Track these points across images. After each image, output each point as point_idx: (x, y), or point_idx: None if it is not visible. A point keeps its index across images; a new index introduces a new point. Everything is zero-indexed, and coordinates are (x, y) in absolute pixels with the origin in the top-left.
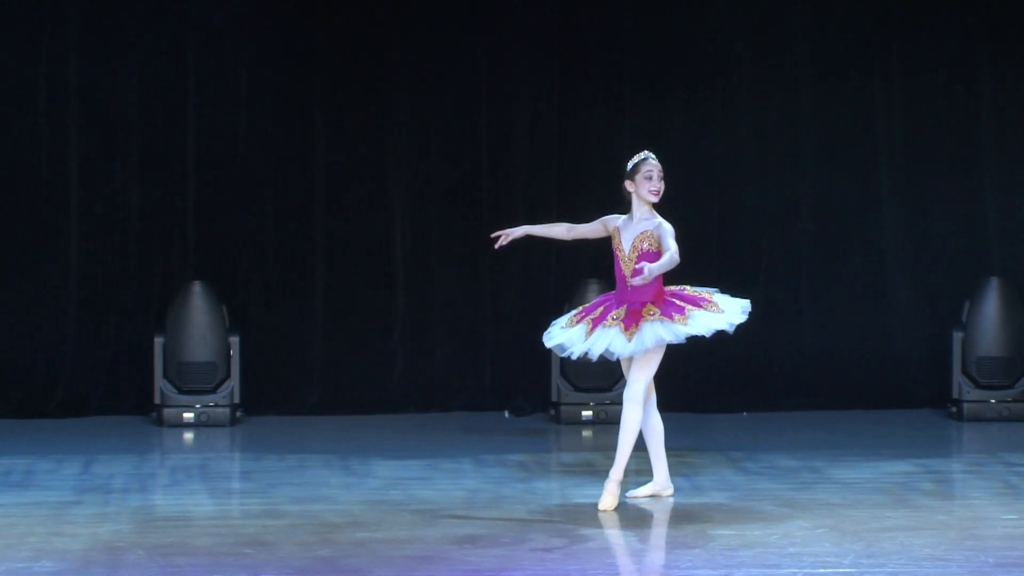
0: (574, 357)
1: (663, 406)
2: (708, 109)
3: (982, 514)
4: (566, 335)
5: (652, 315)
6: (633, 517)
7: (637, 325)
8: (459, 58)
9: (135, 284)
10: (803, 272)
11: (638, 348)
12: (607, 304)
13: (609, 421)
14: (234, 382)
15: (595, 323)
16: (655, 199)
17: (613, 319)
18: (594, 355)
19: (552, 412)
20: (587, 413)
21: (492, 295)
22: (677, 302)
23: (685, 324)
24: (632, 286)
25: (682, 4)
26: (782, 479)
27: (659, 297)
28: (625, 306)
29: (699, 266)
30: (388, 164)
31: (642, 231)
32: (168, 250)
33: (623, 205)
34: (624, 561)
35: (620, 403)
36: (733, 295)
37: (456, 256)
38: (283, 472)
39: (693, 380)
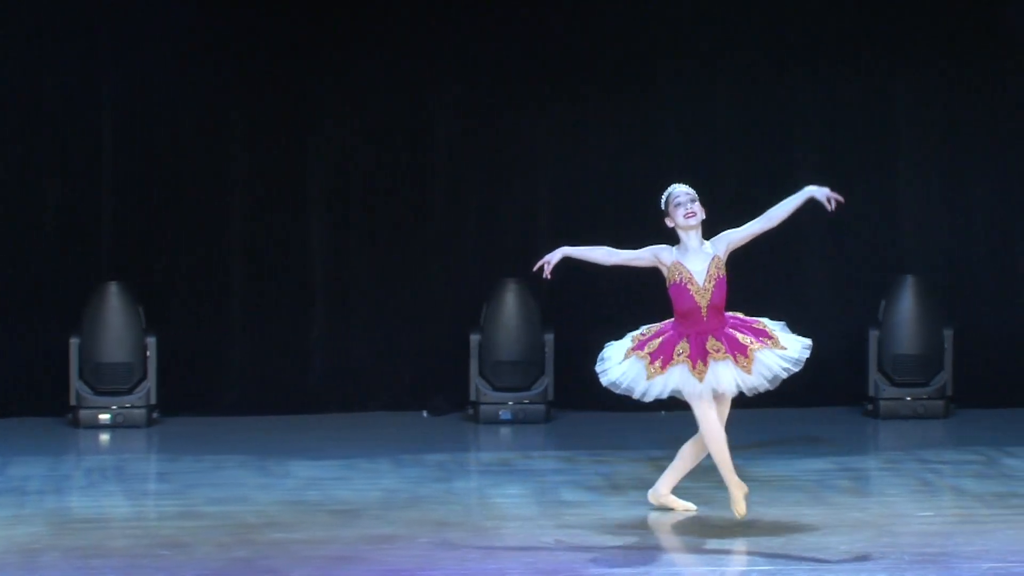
0: (635, 396)
1: (581, 406)
2: (629, 109)
3: (898, 511)
4: (624, 372)
5: (718, 352)
6: (551, 516)
7: (705, 364)
8: (380, 60)
9: (51, 285)
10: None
11: (707, 393)
12: (667, 337)
13: (527, 420)
14: (150, 383)
15: (655, 357)
16: (693, 221)
17: (678, 355)
18: (655, 395)
19: (471, 411)
20: (505, 413)
21: (411, 295)
22: (740, 338)
23: (749, 373)
24: (707, 316)
25: (601, 8)
26: (700, 478)
27: (725, 325)
28: (687, 340)
29: (617, 272)
30: (307, 165)
31: (712, 257)
32: (84, 250)
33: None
34: (542, 560)
35: (538, 402)
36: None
37: (374, 256)
38: (200, 473)
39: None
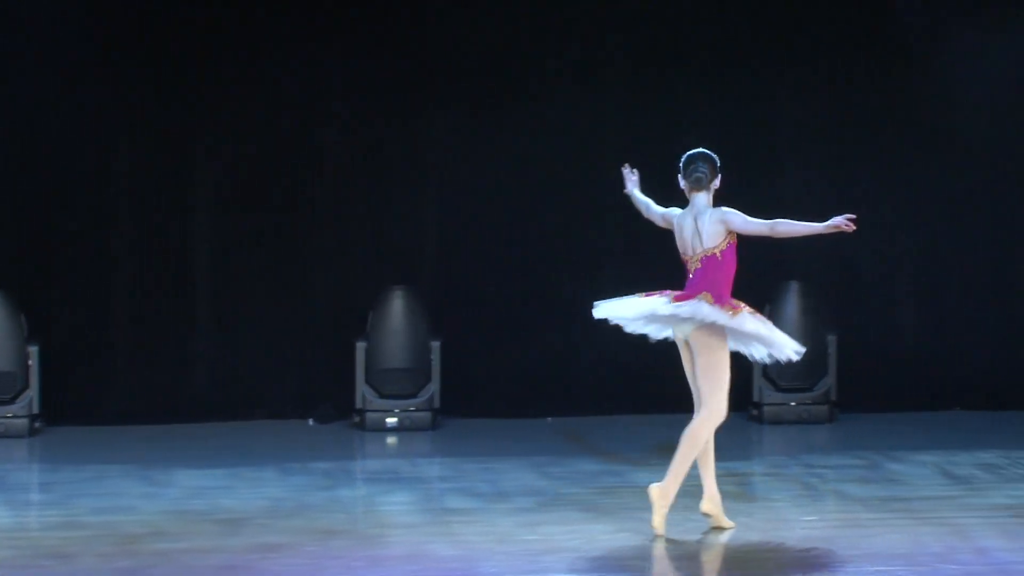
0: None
1: (468, 413)
2: (515, 116)
3: (782, 516)
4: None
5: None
6: (437, 524)
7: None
8: (266, 63)
9: None
10: (609, 276)
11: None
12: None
13: (414, 428)
14: (33, 392)
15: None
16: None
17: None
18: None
19: (357, 419)
20: (392, 420)
21: (297, 302)
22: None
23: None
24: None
25: (495, 10)
26: (585, 483)
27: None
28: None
29: (511, 268)
30: (192, 172)
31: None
32: None
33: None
34: (429, 568)
35: (425, 409)
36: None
37: (260, 264)
38: (83, 483)
39: (498, 386)
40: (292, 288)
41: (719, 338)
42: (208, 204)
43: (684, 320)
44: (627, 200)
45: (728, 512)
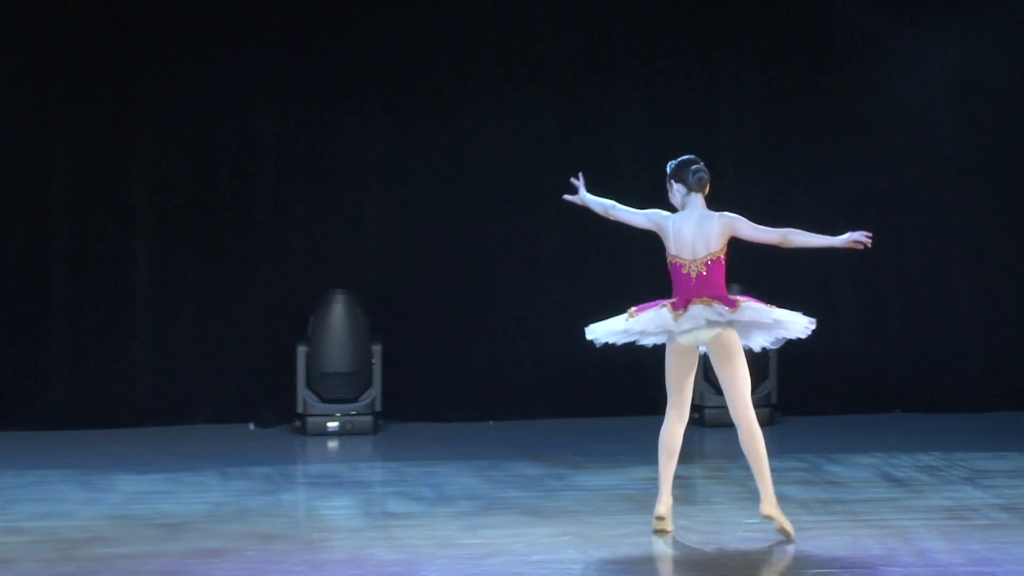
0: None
1: (409, 417)
2: (452, 119)
3: (723, 519)
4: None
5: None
6: (379, 528)
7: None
8: (204, 69)
9: None
10: (547, 280)
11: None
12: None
13: (355, 432)
14: None
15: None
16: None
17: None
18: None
19: (298, 423)
20: (333, 424)
21: (237, 307)
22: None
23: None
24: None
25: (428, 16)
26: (527, 487)
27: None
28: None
29: (451, 271)
30: (130, 177)
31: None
32: None
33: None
34: (371, 572)
35: (366, 413)
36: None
37: (200, 268)
38: (22, 488)
39: (440, 390)
40: (232, 293)
41: (737, 343)
42: (146, 209)
43: (718, 326)
44: (567, 204)
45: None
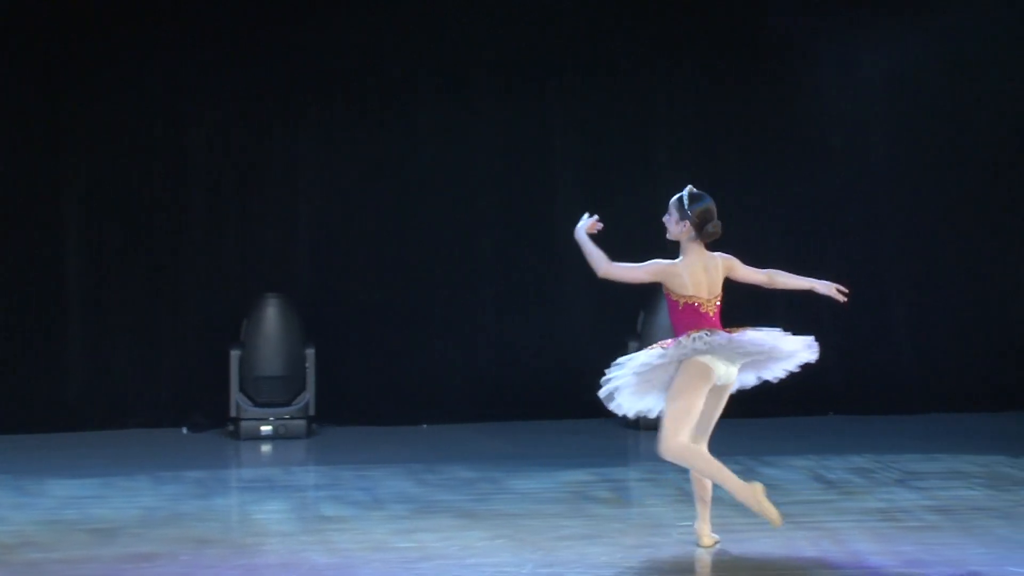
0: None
1: (343, 421)
2: (389, 123)
3: (658, 521)
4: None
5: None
6: (313, 532)
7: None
8: (135, 76)
9: None
10: (483, 283)
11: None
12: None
13: (289, 436)
14: None
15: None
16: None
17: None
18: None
19: (231, 428)
20: (266, 428)
21: (169, 311)
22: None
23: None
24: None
25: (360, 19)
26: (461, 490)
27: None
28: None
29: (384, 275)
30: (62, 182)
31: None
32: None
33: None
34: (305, 575)
35: (300, 417)
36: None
37: (131, 272)
38: None
39: (373, 393)
40: (164, 296)
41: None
42: (78, 215)
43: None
44: (500, 209)
45: (604, 518)
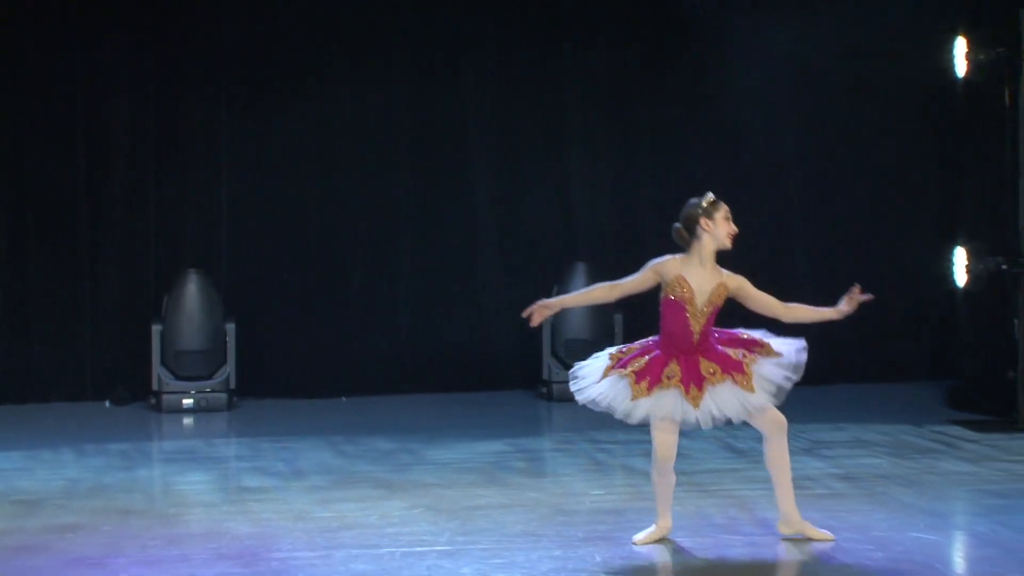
0: (616, 416)
1: (263, 394)
2: (308, 104)
3: (571, 490)
4: (603, 391)
5: (713, 375)
6: (234, 502)
7: (700, 389)
8: (55, 55)
9: None
10: (401, 261)
11: (707, 422)
12: (653, 357)
13: (210, 409)
14: None
15: (641, 377)
16: (728, 245)
17: (668, 379)
18: (639, 418)
19: (153, 401)
20: (188, 401)
21: (92, 287)
22: (732, 354)
23: (752, 391)
24: (698, 341)
25: (282, 5)
26: (380, 461)
27: (715, 345)
28: (676, 362)
29: (304, 251)
30: None
31: (719, 283)
32: None
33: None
34: (226, 545)
35: (221, 390)
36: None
37: (55, 251)
38: None
39: (293, 366)
40: (87, 272)
41: None
42: (0, 192)
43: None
44: (417, 187)
45: (519, 488)
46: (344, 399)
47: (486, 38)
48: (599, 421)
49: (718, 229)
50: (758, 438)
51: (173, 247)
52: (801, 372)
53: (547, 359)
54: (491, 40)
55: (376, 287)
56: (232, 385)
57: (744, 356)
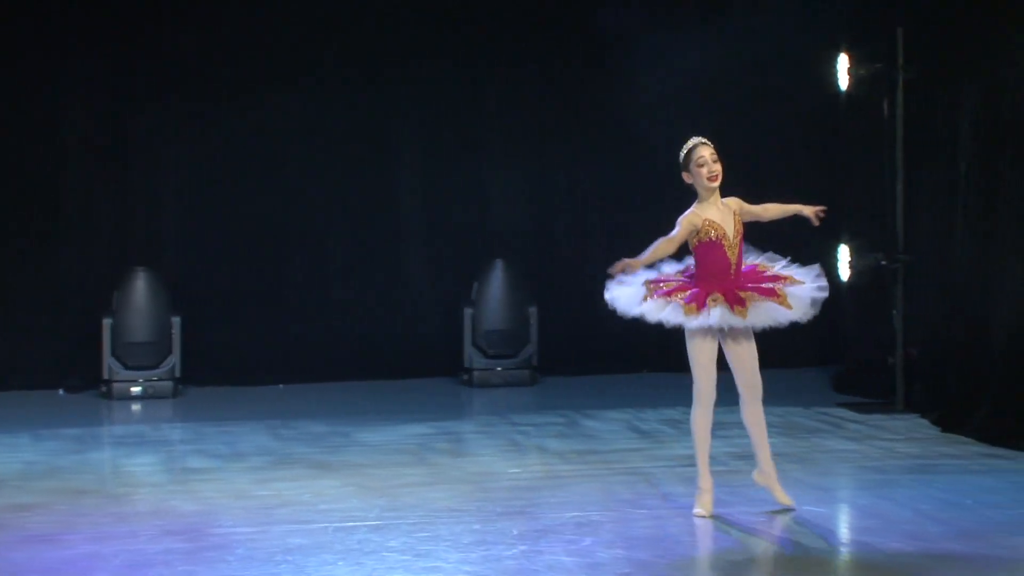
0: (669, 325)
1: (207, 382)
2: (247, 108)
3: (490, 469)
4: (650, 309)
5: (753, 297)
6: (179, 482)
7: (744, 307)
8: (9, 59)
9: None
10: (333, 257)
11: (754, 324)
12: (694, 292)
13: (157, 396)
14: None
15: (690, 301)
16: (715, 184)
17: (713, 301)
18: (710, 323)
19: (104, 389)
20: (136, 389)
21: (47, 284)
22: (764, 286)
23: (790, 307)
24: (734, 273)
25: (222, 14)
26: (314, 443)
27: (748, 279)
28: (717, 291)
29: (245, 248)
30: None
31: (732, 212)
32: None
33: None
34: (171, 522)
35: (167, 379)
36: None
37: (10, 248)
38: None
39: (234, 356)
40: (42, 270)
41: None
42: None
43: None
44: (347, 186)
45: (439, 467)
46: (281, 386)
47: (412, 49)
48: (516, 405)
49: (697, 178)
50: (663, 420)
51: (123, 246)
52: (826, 289)
53: (468, 348)
54: (417, 50)
55: (310, 282)
56: (177, 374)
57: (776, 286)
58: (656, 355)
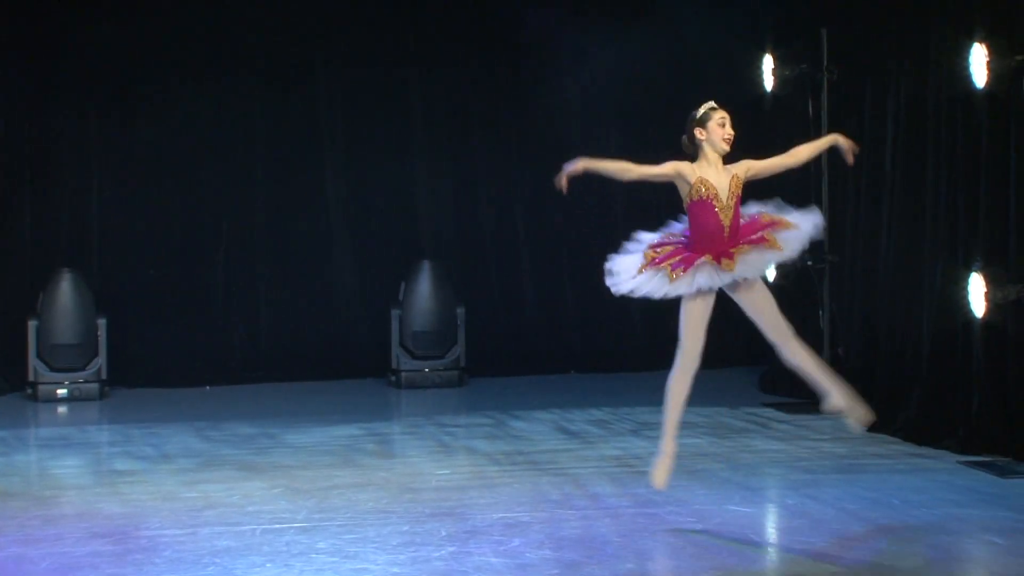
0: (656, 297)
1: (133, 383)
2: (171, 109)
3: (419, 470)
4: (639, 283)
5: (741, 249)
6: (106, 484)
7: (731, 259)
8: None
9: None
10: (260, 258)
11: (740, 275)
12: (686, 256)
13: (83, 398)
14: None
15: (676, 268)
16: (727, 148)
17: (701, 264)
18: (695, 287)
19: (30, 391)
20: (62, 391)
21: None
22: (755, 236)
23: (780, 249)
24: (728, 236)
25: (146, 17)
26: (242, 445)
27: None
28: (708, 255)
29: (170, 250)
30: None
31: (731, 176)
32: None
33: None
34: (98, 525)
35: (94, 381)
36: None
37: None
38: None
39: (160, 357)
40: None
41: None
42: None
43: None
44: (273, 187)
45: (367, 468)
46: (208, 388)
47: (339, 52)
48: (444, 406)
49: (712, 135)
50: (590, 421)
51: (47, 247)
52: (821, 229)
53: (395, 349)
54: (343, 54)
55: (237, 284)
56: (104, 376)
57: (766, 233)
58: (582, 356)
